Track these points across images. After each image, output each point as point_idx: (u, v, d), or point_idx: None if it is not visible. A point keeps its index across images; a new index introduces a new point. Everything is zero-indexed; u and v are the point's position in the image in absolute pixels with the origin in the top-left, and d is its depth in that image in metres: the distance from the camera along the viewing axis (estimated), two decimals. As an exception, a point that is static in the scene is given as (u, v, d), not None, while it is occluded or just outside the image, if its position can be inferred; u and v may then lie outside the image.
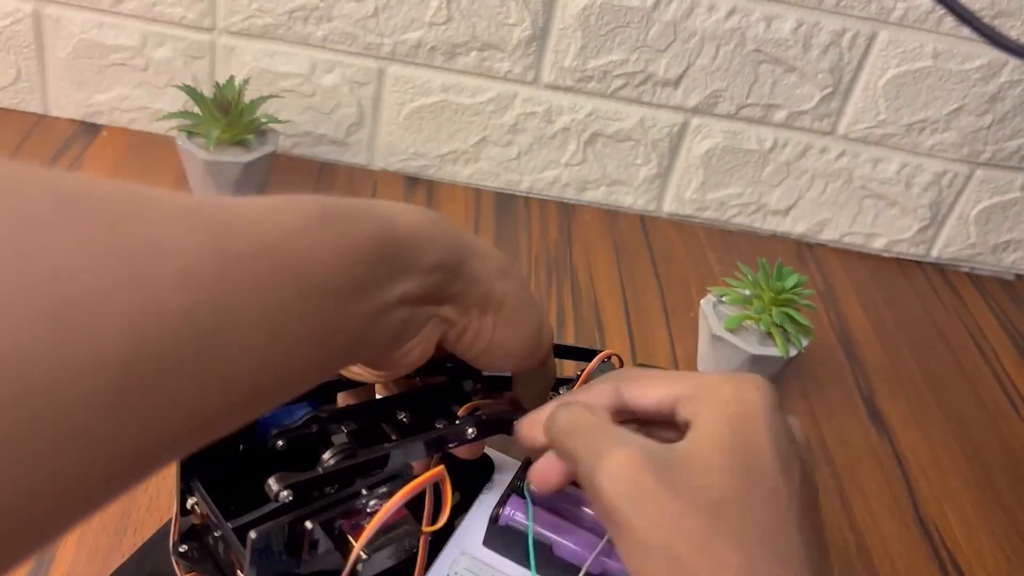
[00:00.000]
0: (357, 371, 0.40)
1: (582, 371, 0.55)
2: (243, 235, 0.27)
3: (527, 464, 0.50)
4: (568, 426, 0.38)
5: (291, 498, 0.35)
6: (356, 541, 0.35)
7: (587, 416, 0.39)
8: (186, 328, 0.24)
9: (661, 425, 0.39)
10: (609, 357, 0.56)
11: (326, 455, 0.37)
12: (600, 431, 0.37)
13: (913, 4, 0.76)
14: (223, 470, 0.37)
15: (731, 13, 0.77)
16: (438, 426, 0.43)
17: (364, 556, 0.34)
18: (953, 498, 0.63)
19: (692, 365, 0.69)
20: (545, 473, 0.39)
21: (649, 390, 0.39)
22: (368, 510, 0.36)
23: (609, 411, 0.40)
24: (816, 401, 0.69)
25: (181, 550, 0.37)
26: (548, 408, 0.41)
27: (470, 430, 0.43)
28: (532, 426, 0.42)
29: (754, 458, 0.36)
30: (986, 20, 0.56)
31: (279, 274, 0.28)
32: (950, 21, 0.77)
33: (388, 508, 0.35)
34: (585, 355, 0.55)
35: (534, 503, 0.47)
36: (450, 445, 0.43)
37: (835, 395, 0.70)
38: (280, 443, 0.38)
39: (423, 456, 0.41)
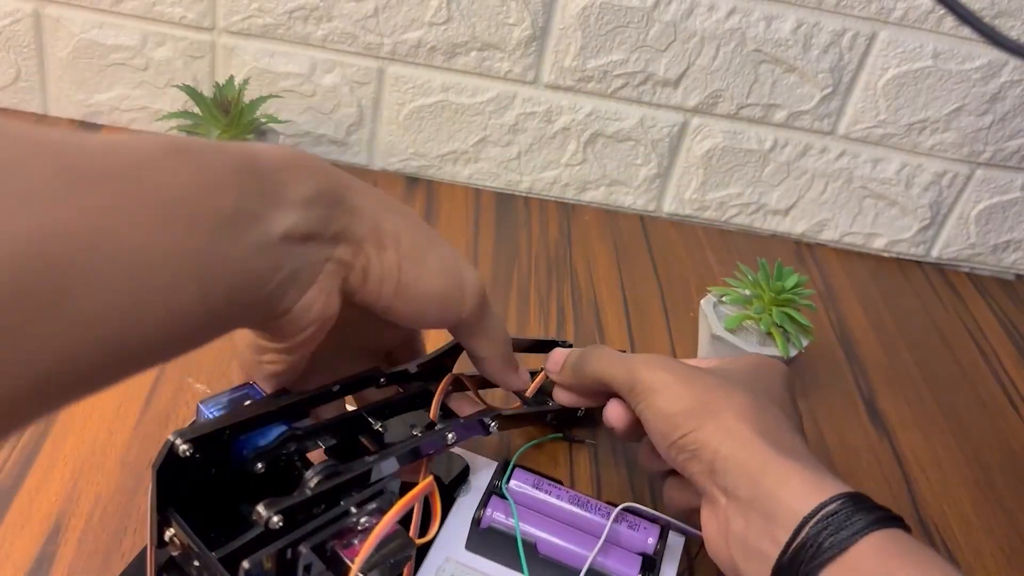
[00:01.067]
0: (270, 357, 0.38)
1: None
2: (91, 159, 0.26)
3: (504, 465, 0.50)
4: (599, 355, 0.47)
5: (282, 523, 0.34)
6: (351, 561, 0.34)
7: (609, 348, 0.48)
8: (37, 257, 0.23)
9: None
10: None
11: (309, 474, 0.36)
12: (624, 354, 0.47)
13: (913, 4, 0.76)
14: (196, 497, 0.35)
15: (731, 13, 0.77)
16: (415, 433, 0.43)
17: (362, 575, 0.34)
18: (953, 498, 0.63)
19: (692, 365, 0.69)
20: (616, 411, 0.47)
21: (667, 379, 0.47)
22: (360, 528, 0.35)
23: (617, 383, 0.47)
24: (816, 401, 0.69)
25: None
26: (562, 351, 0.51)
27: (450, 435, 0.43)
28: (554, 365, 0.50)
29: (775, 384, 0.46)
30: (986, 20, 0.56)
31: (136, 200, 0.26)
32: (950, 21, 0.77)
33: (384, 524, 0.35)
34: (546, 347, 0.56)
35: (515, 503, 0.47)
36: (431, 452, 0.43)
37: (835, 395, 0.70)
38: (259, 465, 0.37)
39: (405, 465, 0.41)
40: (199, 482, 0.35)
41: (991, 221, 0.88)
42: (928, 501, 0.62)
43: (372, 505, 0.36)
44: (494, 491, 0.48)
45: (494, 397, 0.56)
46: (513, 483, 0.49)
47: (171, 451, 0.34)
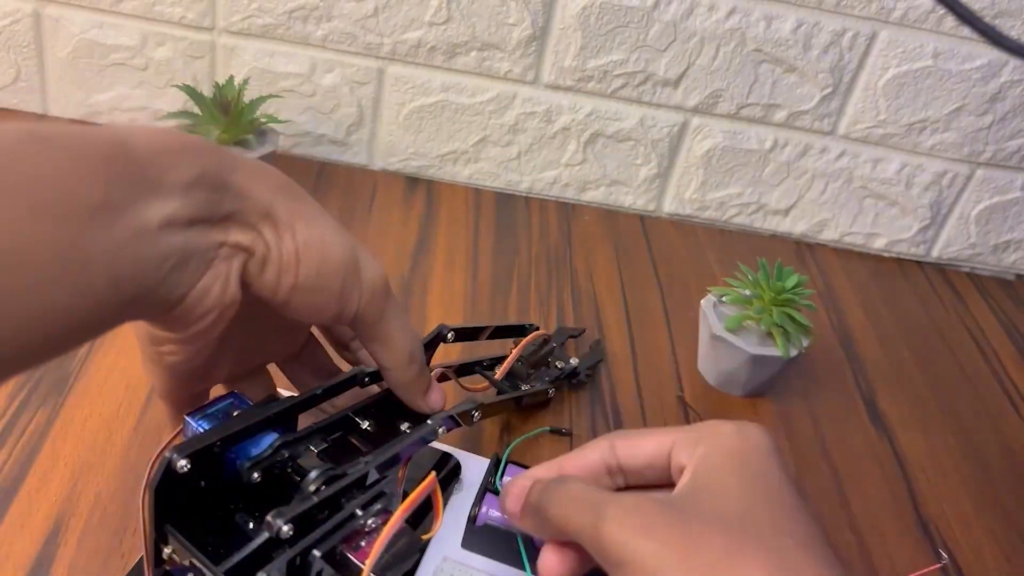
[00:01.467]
0: (168, 348, 0.36)
1: (514, 347, 0.58)
2: None
3: (497, 461, 0.50)
4: (562, 499, 0.37)
5: (292, 532, 0.34)
6: (361, 563, 0.34)
7: (578, 485, 0.37)
8: None
9: (656, 488, 0.39)
10: (543, 336, 0.60)
11: (311, 479, 0.36)
12: (595, 493, 0.36)
13: (913, 4, 0.76)
14: (189, 511, 0.35)
15: (731, 13, 0.77)
16: (404, 429, 0.43)
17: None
18: (953, 498, 0.62)
19: (692, 365, 0.69)
20: (553, 565, 0.38)
21: (643, 443, 0.39)
22: (367, 530, 0.35)
23: (605, 470, 0.40)
24: (816, 401, 0.69)
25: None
26: (522, 483, 0.40)
27: (440, 429, 0.43)
28: (514, 503, 0.40)
29: (769, 481, 0.35)
30: (987, 20, 0.56)
31: None
32: (950, 21, 0.77)
33: (392, 524, 0.35)
34: (516, 331, 0.58)
35: None
36: (423, 445, 0.43)
37: (835, 395, 0.70)
38: (256, 475, 0.36)
39: (401, 462, 0.41)
40: (192, 496, 0.35)
41: (991, 221, 0.88)
42: (928, 501, 0.62)
43: (377, 506, 0.36)
44: (488, 488, 0.48)
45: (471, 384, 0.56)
46: (507, 479, 0.48)
47: (168, 468, 0.34)
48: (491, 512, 0.46)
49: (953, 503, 0.62)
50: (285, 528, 0.33)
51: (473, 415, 0.47)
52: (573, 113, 0.82)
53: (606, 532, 0.33)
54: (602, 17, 0.77)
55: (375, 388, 0.46)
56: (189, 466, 0.34)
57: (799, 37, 0.78)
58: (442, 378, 0.49)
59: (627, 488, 0.40)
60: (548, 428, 0.58)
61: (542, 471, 0.41)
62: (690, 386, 0.67)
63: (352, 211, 0.78)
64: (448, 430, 0.44)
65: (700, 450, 0.37)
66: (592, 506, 0.35)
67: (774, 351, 0.63)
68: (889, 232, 0.89)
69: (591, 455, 0.40)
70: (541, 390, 0.58)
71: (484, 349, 0.60)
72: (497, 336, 0.57)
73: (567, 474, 0.40)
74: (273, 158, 0.75)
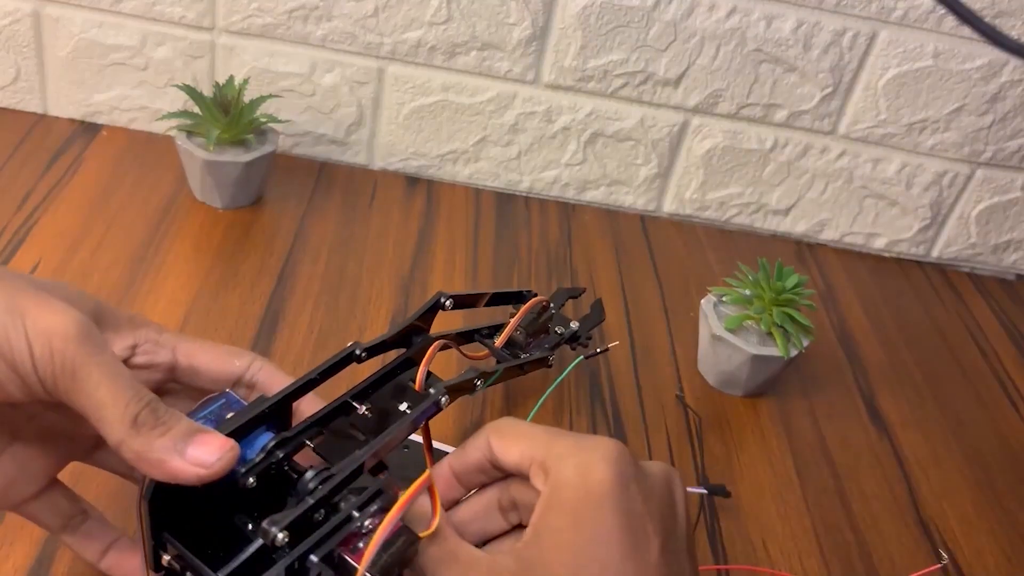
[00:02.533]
0: None
1: (513, 313, 0.58)
2: None
3: None
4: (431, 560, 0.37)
5: (287, 539, 0.33)
6: (359, 564, 0.34)
7: (445, 547, 0.37)
8: None
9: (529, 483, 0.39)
10: (542, 303, 0.59)
11: (307, 477, 0.35)
12: (455, 563, 0.36)
13: (913, 4, 0.76)
14: (186, 516, 0.34)
15: (731, 13, 0.77)
16: (404, 409, 0.42)
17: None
18: (953, 498, 0.62)
19: (692, 365, 0.69)
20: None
21: (512, 448, 0.39)
22: (363, 531, 0.35)
23: (488, 465, 0.40)
24: (816, 401, 0.69)
25: None
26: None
27: (443, 399, 0.43)
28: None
29: (599, 532, 0.35)
30: (987, 20, 0.56)
31: None
32: (951, 21, 0.77)
33: (386, 524, 0.34)
34: (514, 298, 0.58)
35: None
36: (426, 419, 0.42)
37: (835, 395, 0.70)
38: (251, 480, 0.35)
39: (400, 443, 0.40)
40: (188, 501, 0.34)
41: (992, 221, 0.88)
42: (928, 501, 0.62)
43: (374, 506, 0.35)
44: None
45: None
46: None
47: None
48: None
49: (953, 503, 0.62)
50: (280, 536, 0.33)
51: (476, 383, 0.46)
52: (573, 113, 0.82)
53: None
54: (602, 17, 0.77)
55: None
56: None
57: (799, 37, 0.78)
58: (444, 347, 0.48)
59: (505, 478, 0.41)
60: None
61: (434, 471, 0.41)
62: (690, 386, 0.67)
63: (352, 211, 0.78)
64: (451, 400, 0.43)
65: (547, 486, 0.37)
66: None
67: (774, 351, 0.63)
68: (889, 232, 0.89)
69: (475, 454, 0.40)
70: (541, 357, 0.57)
71: (484, 317, 0.60)
72: (495, 303, 0.57)
73: (457, 472, 0.41)
74: (273, 158, 0.75)
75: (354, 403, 0.41)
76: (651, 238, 0.84)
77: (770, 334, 0.64)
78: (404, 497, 0.35)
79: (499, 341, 0.56)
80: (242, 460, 0.35)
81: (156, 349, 0.39)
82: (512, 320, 0.57)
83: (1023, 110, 0.82)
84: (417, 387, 0.44)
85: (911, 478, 0.63)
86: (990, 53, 0.78)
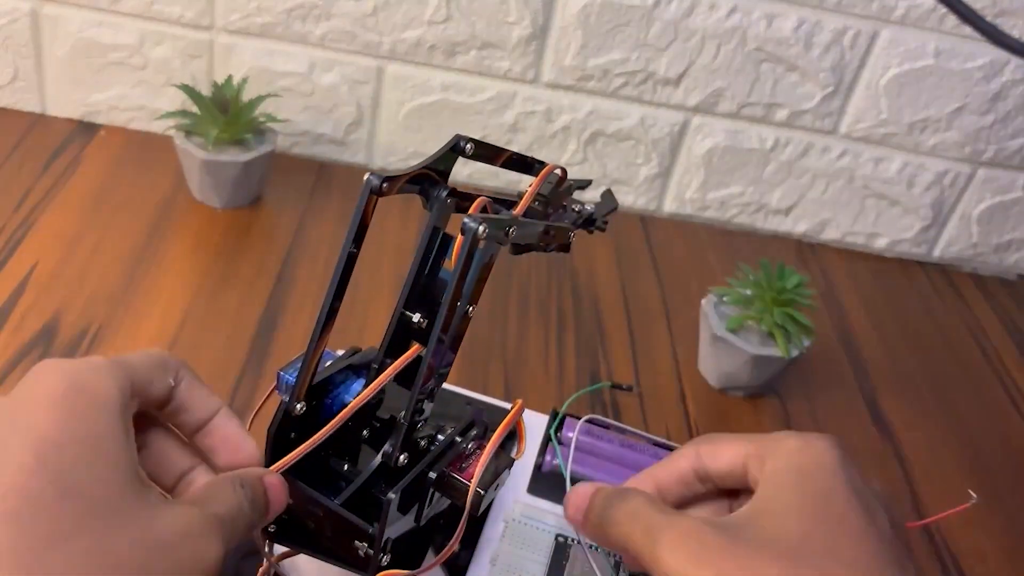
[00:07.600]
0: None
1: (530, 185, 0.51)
2: None
3: (554, 415, 0.52)
4: (621, 517, 0.37)
5: (407, 460, 0.37)
6: (468, 481, 0.38)
7: (638, 501, 0.37)
8: None
9: (742, 494, 0.38)
10: (559, 174, 0.52)
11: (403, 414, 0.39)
12: (654, 515, 0.36)
13: (915, 3, 0.76)
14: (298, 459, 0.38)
15: (732, 12, 0.77)
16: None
17: (482, 492, 0.38)
18: (954, 498, 0.62)
19: (692, 365, 0.69)
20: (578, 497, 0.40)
21: (722, 450, 0.39)
22: (466, 453, 0.39)
23: (695, 476, 0.40)
24: (817, 401, 0.68)
25: (271, 529, 0.38)
26: (583, 490, 0.39)
27: (480, 228, 0.39)
28: (575, 512, 0.40)
29: (831, 502, 0.34)
30: (988, 19, 0.56)
31: None
32: (952, 20, 0.77)
33: (491, 446, 0.39)
34: (531, 167, 0.52)
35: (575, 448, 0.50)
36: (468, 253, 0.40)
37: (837, 395, 0.70)
38: (365, 433, 0.40)
39: (460, 317, 0.40)
40: (298, 440, 0.37)
41: (993, 221, 0.88)
42: (929, 500, 0.62)
43: (472, 432, 0.41)
44: (549, 439, 0.51)
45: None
46: (565, 431, 0.51)
47: (286, 412, 0.37)
48: (554, 461, 0.49)
49: (954, 502, 0.62)
50: (402, 458, 0.37)
51: (509, 230, 0.43)
52: (573, 112, 0.82)
53: (661, 558, 0.33)
54: (602, 16, 0.77)
55: None
56: (305, 408, 0.37)
57: (800, 36, 0.78)
58: (480, 206, 0.45)
59: (716, 494, 0.40)
60: (609, 383, 0.58)
61: (632, 482, 0.41)
62: (691, 386, 0.67)
63: (351, 211, 0.78)
64: (487, 232, 0.40)
65: (767, 467, 0.36)
66: (649, 529, 0.35)
67: (775, 351, 0.63)
68: (891, 232, 0.89)
69: (681, 463, 0.40)
70: (565, 227, 0.53)
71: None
72: (512, 166, 0.52)
73: (659, 482, 0.40)
74: (272, 157, 0.75)
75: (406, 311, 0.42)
76: (652, 238, 0.84)
77: (771, 334, 0.63)
78: (504, 423, 0.41)
79: (518, 209, 0.49)
80: (342, 403, 0.39)
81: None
82: (531, 187, 0.51)
83: (1025, 109, 0.81)
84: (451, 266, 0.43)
85: (912, 478, 0.63)
86: (991, 52, 0.78)
